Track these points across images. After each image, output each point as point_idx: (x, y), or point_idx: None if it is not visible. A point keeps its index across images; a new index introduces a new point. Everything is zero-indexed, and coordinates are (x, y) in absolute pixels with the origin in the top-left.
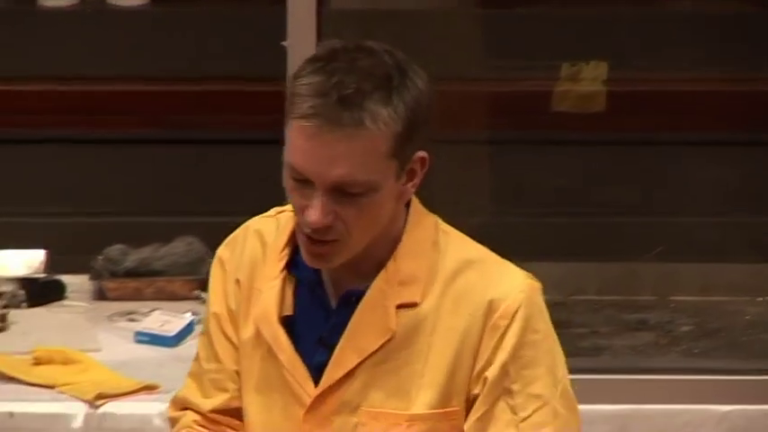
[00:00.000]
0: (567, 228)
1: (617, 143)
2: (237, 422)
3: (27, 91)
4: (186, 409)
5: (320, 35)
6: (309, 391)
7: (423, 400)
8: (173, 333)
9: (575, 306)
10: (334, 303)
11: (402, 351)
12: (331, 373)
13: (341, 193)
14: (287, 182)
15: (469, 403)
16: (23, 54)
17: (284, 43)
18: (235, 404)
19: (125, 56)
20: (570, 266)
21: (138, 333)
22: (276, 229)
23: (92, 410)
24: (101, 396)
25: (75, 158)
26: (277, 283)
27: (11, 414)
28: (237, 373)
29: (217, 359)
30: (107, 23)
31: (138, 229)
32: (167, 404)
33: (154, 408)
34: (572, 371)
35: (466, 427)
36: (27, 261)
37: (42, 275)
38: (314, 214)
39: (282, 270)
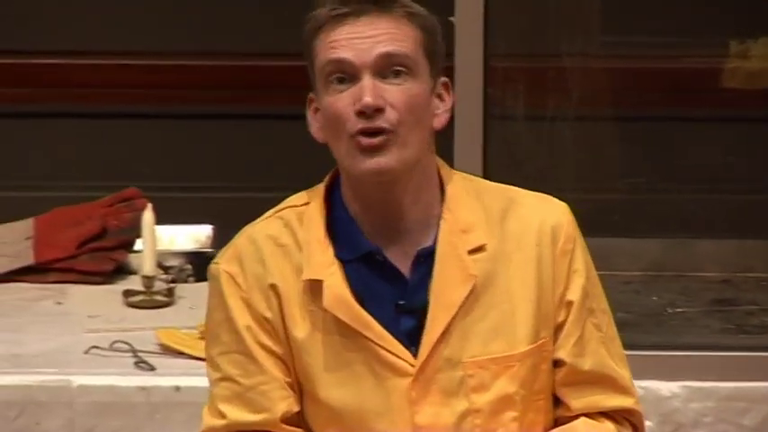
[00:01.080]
0: (734, 205)
1: None
2: (300, 430)
3: (195, 66)
4: None
5: (488, 10)
6: (409, 359)
7: (521, 338)
8: None
9: (742, 283)
10: (402, 269)
11: (486, 295)
12: (430, 334)
13: (385, 75)
14: (325, 103)
15: (555, 330)
16: (189, 29)
17: (452, 18)
18: (295, 409)
19: (286, 32)
20: (737, 244)
21: None
22: (284, 226)
23: None
24: None
25: (242, 134)
26: (336, 268)
27: (177, 388)
28: (288, 382)
29: (262, 371)
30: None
31: None
32: None
33: None
34: (739, 348)
35: (564, 354)
36: (194, 236)
37: (209, 250)
38: (366, 96)
39: (334, 255)
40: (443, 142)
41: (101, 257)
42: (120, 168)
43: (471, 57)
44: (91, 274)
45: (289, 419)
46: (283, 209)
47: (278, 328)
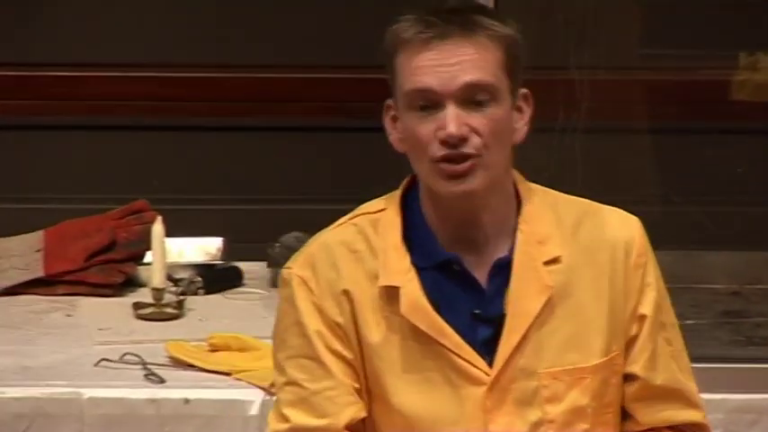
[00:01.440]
0: (742, 217)
1: None
2: None
3: (210, 78)
4: None
5: None
6: (484, 368)
7: (595, 350)
8: None
9: (750, 295)
10: (479, 278)
11: (561, 307)
12: (506, 344)
13: (468, 102)
14: (408, 125)
15: (626, 344)
16: (209, 42)
17: None
18: (362, 415)
19: (300, 44)
20: (746, 255)
21: None
22: (358, 233)
23: (268, 397)
24: None
25: (252, 146)
26: (413, 275)
27: (186, 400)
28: (356, 388)
29: (330, 376)
30: (284, 13)
31: (315, 216)
32: None
33: None
34: (748, 360)
35: (637, 368)
36: (204, 248)
37: (219, 262)
38: (449, 125)
39: (411, 262)
40: None
41: (110, 270)
42: (129, 181)
43: None
44: (100, 286)
45: (353, 426)
46: (357, 215)
47: (349, 334)
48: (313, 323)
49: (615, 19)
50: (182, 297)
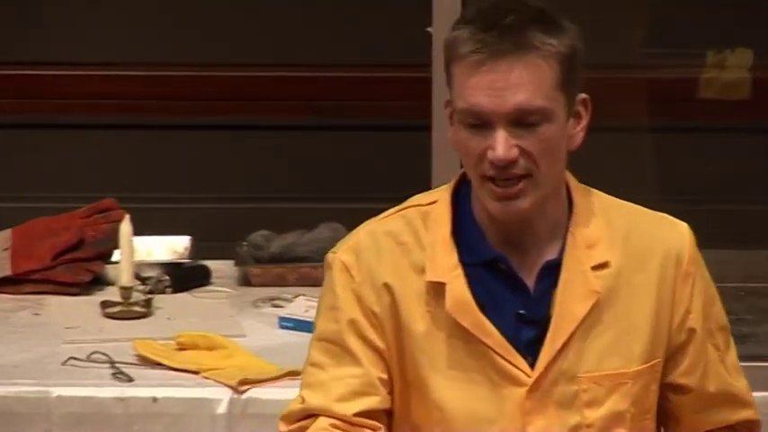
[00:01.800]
0: (710, 215)
1: (762, 131)
2: (380, 424)
3: (179, 76)
4: (309, 417)
5: None
6: (526, 369)
7: (636, 356)
8: None
9: (719, 293)
10: (526, 279)
11: (606, 312)
12: (550, 346)
13: (519, 124)
14: (460, 135)
15: (670, 352)
16: (177, 40)
17: (429, 29)
18: (383, 407)
19: (269, 42)
20: (714, 254)
21: (282, 319)
22: (406, 225)
23: (236, 396)
24: (245, 382)
25: (221, 144)
26: (459, 272)
27: (154, 399)
28: (382, 379)
29: (358, 364)
30: (257, 12)
31: (283, 214)
32: None
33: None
34: None
35: (689, 380)
36: (172, 247)
37: (187, 261)
38: (498, 148)
39: (458, 258)
40: (425, 147)
41: (78, 268)
42: (97, 179)
43: None
44: (68, 285)
45: (371, 415)
46: (407, 207)
47: (385, 324)
48: (348, 311)
49: (585, 18)
50: (149, 296)
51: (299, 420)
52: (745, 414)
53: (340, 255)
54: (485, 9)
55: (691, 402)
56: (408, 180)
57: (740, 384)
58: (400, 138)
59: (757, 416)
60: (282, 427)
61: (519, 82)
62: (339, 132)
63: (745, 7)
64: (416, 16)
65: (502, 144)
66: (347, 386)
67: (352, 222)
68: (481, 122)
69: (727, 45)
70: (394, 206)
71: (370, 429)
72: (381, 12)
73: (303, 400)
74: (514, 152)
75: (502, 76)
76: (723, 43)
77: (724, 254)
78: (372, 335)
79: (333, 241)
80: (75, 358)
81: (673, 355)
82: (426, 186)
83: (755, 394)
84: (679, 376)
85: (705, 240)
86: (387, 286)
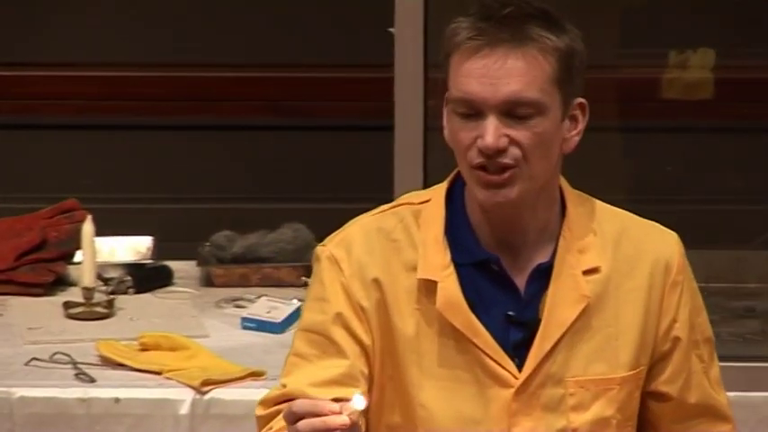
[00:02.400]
0: (673, 215)
1: (724, 130)
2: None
3: (140, 77)
4: (287, 401)
5: (427, 21)
6: (513, 371)
7: (623, 363)
8: (279, 320)
9: None
10: (516, 281)
11: (595, 317)
12: (538, 349)
13: (511, 115)
14: (452, 126)
15: (654, 360)
16: (140, 41)
17: (391, 30)
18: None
19: (235, 43)
20: None
21: (245, 319)
22: (399, 222)
23: (198, 397)
24: (207, 382)
25: (182, 145)
26: (451, 271)
27: (117, 400)
28: (363, 373)
29: (342, 356)
30: (219, 12)
31: (245, 215)
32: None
33: (260, 394)
34: None
35: (672, 389)
36: (134, 247)
37: (149, 261)
38: (487, 137)
39: (450, 258)
40: (387, 147)
41: (40, 269)
42: (59, 180)
43: (411, 68)
44: (31, 285)
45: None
46: (400, 205)
47: (372, 320)
48: (336, 304)
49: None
50: (112, 296)
51: (276, 404)
52: (723, 429)
53: (330, 248)
54: (487, 3)
55: (670, 412)
56: (371, 181)
57: (721, 398)
58: (363, 138)
59: (734, 431)
60: (259, 410)
61: (513, 72)
62: (301, 133)
63: (706, 7)
64: (379, 17)
65: (492, 132)
66: (328, 375)
67: (314, 223)
68: (473, 112)
69: (690, 45)
70: (356, 207)
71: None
72: (343, 12)
73: (283, 387)
74: (504, 141)
75: (496, 64)
76: (685, 43)
77: (687, 254)
78: (359, 329)
79: (295, 242)
80: (37, 359)
81: (656, 363)
82: (389, 187)
83: None
84: (661, 384)
85: None
86: (376, 282)
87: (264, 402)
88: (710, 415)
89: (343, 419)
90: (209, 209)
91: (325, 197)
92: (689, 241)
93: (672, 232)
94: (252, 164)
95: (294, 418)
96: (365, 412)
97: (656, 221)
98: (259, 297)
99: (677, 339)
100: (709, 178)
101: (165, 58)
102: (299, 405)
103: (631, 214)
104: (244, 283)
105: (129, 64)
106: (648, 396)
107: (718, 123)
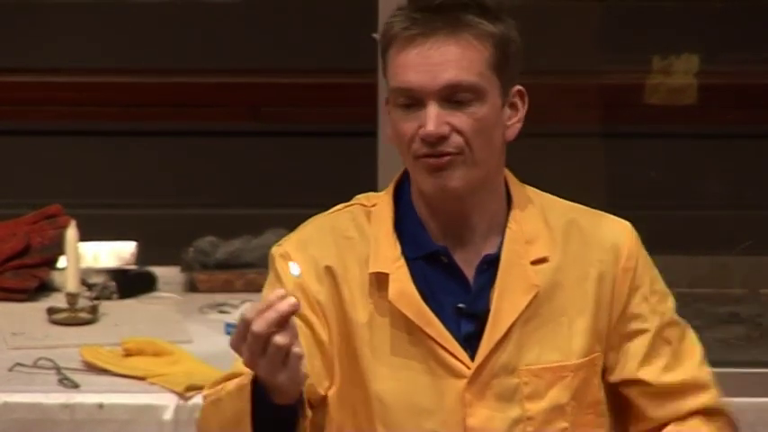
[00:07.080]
0: (657, 221)
1: (707, 136)
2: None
3: (122, 83)
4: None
5: None
6: (466, 361)
7: (576, 350)
8: None
9: None
10: (466, 273)
11: (545, 306)
12: (489, 339)
13: (450, 101)
14: (393, 119)
15: (613, 346)
16: (121, 47)
17: (375, 35)
18: (314, 395)
19: (216, 49)
20: (660, 260)
21: (229, 325)
22: (352, 220)
23: (182, 402)
24: (192, 388)
25: (166, 150)
26: (402, 264)
27: (100, 405)
28: (316, 369)
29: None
30: (199, 18)
31: (229, 221)
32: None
33: None
34: None
35: (638, 373)
36: (118, 253)
37: (133, 267)
38: (429, 124)
39: (401, 252)
40: (371, 152)
41: (24, 274)
42: (43, 185)
43: None
44: (14, 291)
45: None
46: (353, 204)
47: (328, 314)
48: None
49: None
50: (96, 302)
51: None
52: (703, 400)
53: (285, 246)
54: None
55: (642, 394)
56: (354, 186)
57: (695, 372)
58: (346, 143)
59: (718, 402)
60: (205, 390)
61: (450, 57)
62: (285, 138)
63: (689, 12)
64: (362, 22)
65: (433, 119)
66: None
67: None
68: (413, 101)
69: (673, 51)
70: None
71: None
72: (326, 17)
73: (233, 368)
74: (445, 128)
75: (432, 53)
76: (668, 49)
77: (670, 260)
78: (318, 327)
79: None
80: (21, 364)
81: (615, 350)
82: (372, 191)
83: None
84: (628, 372)
85: (651, 246)
86: (328, 269)
87: (210, 384)
88: (686, 391)
89: (291, 300)
90: (192, 214)
91: (309, 203)
92: (673, 247)
93: (624, 221)
94: (235, 170)
95: (245, 325)
96: (324, 408)
97: (640, 227)
98: (243, 303)
99: (635, 325)
100: (693, 184)
101: (148, 64)
102: (247, 311)
103: (583, 206)
104: (228, 288)
105: (111, 70)
106: (621, 386)
107: (702, 129)
